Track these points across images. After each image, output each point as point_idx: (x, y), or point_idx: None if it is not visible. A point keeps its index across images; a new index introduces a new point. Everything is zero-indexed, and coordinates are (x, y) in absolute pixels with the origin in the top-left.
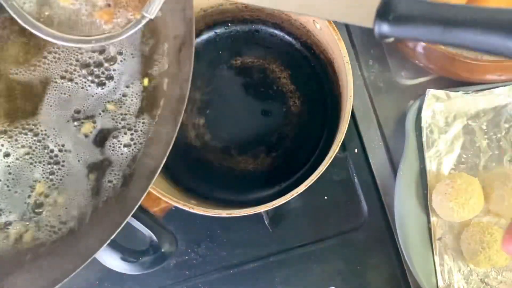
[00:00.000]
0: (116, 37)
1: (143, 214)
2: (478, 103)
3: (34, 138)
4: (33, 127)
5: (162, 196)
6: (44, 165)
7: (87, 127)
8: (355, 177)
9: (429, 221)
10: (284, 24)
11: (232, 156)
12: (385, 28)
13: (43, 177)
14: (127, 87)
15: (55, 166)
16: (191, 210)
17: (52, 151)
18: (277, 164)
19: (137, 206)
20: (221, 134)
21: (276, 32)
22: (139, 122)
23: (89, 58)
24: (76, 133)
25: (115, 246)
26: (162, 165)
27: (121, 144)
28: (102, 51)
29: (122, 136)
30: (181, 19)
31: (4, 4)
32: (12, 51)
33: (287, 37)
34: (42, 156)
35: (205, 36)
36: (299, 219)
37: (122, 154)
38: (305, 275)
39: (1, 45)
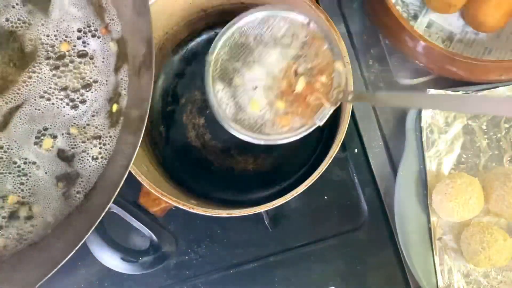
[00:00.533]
0: (290, 138)
1: (143, 214)
2: None
3: (0, 150)
4: None
5: (162, 196)
6: (13, 176)
7: (47, 142)
8: (355, 177)
9: (429, 221)
10: None
11: (232, 156)
12: None
13: (14, 188)
14: (93, 116)
15: (23, 178)
16: (191, 210)
17: (15, 162)
18: (277, 164)
19: (100, 219)
20: (221, 134)
21: None
22: (105, 138)
23: (69, 81)
24: (37, 148)
25: (115, 246)
26: (124, 178)
27: (89, 157)
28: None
29: (91, 149)
30: (140, 40)
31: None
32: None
33: None
34: (10, 168)
35: (205, 36)
36: (299, 219)
37: (90, 166)
38: (305, 275)
39: None
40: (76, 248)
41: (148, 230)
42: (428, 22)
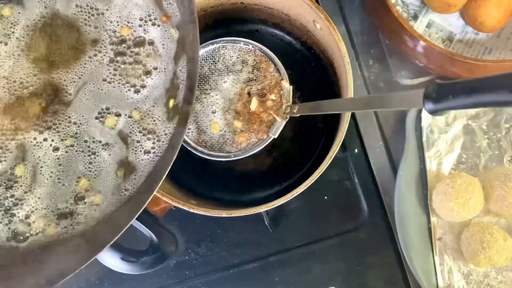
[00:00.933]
0: (249, 152)
1: (143, 214)
2: None
3: (74, 128)
4: (69, 118)
5: (162, 196)
6: (84, 155)
7: (111, 120)
8: (355, 177)
9: (429, 221)
10: (284, 24)
11: None
12: (431, 106)
13: (85, 167)
14: (153, 106)
15: (92, 156)
16: (191, 210)
17: (86, 141)
18: (277, 164)
19: (138, 214)
20: None
21: (276, 32)
22: (160, 133)
23: (130, 66)
24: (101, 125)
25: (115, 246)
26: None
27: (142, 149)
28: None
29: (145, 141)
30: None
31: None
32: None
33: (287, 37)
34: (82, 146)
35: (204, 36)
36: (299, 219)
37: (142, 160)
38: (305, 275)
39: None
40: (113, 241)
41: (148, 230)
42: (428, 22)
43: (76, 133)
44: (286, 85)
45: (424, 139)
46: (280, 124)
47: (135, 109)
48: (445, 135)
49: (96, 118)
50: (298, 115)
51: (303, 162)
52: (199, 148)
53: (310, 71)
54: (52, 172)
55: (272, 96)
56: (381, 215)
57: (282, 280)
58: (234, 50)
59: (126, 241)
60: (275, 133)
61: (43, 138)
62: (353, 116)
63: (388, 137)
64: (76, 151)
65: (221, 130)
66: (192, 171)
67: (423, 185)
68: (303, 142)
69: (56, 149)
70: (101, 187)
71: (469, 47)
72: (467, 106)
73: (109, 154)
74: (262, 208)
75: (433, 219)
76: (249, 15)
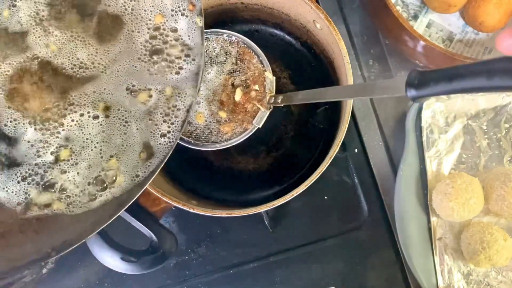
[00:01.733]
0: (234, 142)
1: (143, 214)
2: (478, 103)
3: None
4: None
5: (162, 196)
6: (119, 125)
7: (143, 95)
8: (355, 177)
9: (429, 221)
10: (284, 24)
11: (232, 156)
12: (413, 92)
13: (121, 138)
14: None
15: (124, 127)
16: (191, 210)
17: (119, 109)
18: (277, 164)
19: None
20: None
21: (276, 32)
22: (173, 117)
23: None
24: (133, 98)
25: (115, 246)
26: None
27: (159, 132)
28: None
29: (161, 124)
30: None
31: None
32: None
33: (287, 37)
34: (118, 114)
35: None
36: (299, 219)
37: (160, 144)
38: (305, 275)
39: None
40: (114, 218)
41: (148, 230)
42: (428, 22)
43: (110, 103)
44: (270, 76)
45: (424, 139)
46: (264, 113)
47: (169, 86)
48: (445, 135)
49: (127, 89)
50: (282, 105)
51: (303, 162)
52: (185, 139)
53: (310, 71)
54: (97, 143)
55: (256, 87)
56: (381, 215)
57: (282, 280)
58: (218, 41)
59: (126, 241)
60: (259, 123)
61: (80, 113)
62: (353, 116)
63: (388, 137)
64: (114, 117)
65: (206, 121)
66: (192, 171)
67: (423, 185)
68: (303, 142)
69: (95, 117)
70: (124, 166)
71: (469, 47)
72: (447, 92)
73: (137, 129)
74: (262, 208)
75: (433, 219)
76: (249, 15)
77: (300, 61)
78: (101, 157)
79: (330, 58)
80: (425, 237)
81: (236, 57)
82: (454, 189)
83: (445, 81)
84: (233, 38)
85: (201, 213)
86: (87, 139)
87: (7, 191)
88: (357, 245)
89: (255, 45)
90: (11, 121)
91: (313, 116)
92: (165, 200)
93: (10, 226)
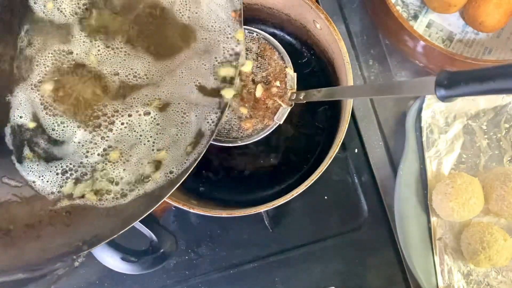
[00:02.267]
0: (255, 138)
1: None
2: (478, 103)
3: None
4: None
5: None
6: (178, 112)
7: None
8: (355, 177)
9: (429, 221)
10: (284, 24)
11: (232, 156)
12: (443, 92)
13: (177, 128)
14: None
15: (182, 117)
16: (191, 210)
17: (179, 103)
18: (277, 164)
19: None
20: None
21: (276, 32)
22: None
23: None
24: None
25: (115, 246)
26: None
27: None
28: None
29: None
30: None
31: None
32: None
33: (287, 37)
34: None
35: None
36: (299, 219)
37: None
38: (305, 275)
39: None
40: (148, 212)
41: (148, 230)
42: (428, 22)
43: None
44: (291, 72)
45: (424, 139)
46: (286, 110)
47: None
48: (445, 135)
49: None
50: (304, 101)
51: (303, 162)
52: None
53: (310, 71)
54: (150, 137)
55: (277, 83)
56: (381, 215)
57: (282, 280)
58: None
59: (126, 241)
60: (280, 119)
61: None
62: (353, 116)
63: (388, 137)
64: (172, 110)
65: (227, 116)
66: (192, 171)
67: (423, 185)
68: (303, 142)
69: (147, 113)
70: (169, 159)
71: (469, 47)
72: (477, 93)
73: (196, 115)
74: (262, 208)
75: (433, 219)
76: (249, 15)
77: (300, 61)
78: (152, 150)
79: (330, 58)
80: (425, 237)
81: (257, 53)
82: (454, 189)
83: (475, 82)
84: (254, 34)
85: (201, 213)
86: (140, 135)
87: (42, 179)
88: (357, 245)
89: (276, 42)
90: (58, 125)
91: (313, 116)
92: (165, 200)
93: (40, 217)
